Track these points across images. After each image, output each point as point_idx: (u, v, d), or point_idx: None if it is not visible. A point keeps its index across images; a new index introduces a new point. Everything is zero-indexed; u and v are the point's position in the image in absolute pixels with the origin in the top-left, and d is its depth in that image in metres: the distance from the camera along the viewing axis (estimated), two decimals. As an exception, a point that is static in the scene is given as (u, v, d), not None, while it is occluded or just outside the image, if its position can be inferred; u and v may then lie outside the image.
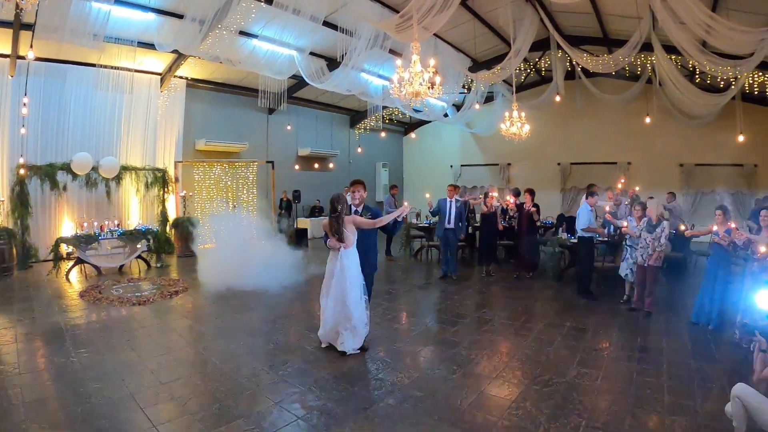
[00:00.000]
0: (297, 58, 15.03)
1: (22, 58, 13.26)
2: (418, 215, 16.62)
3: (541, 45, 16.33)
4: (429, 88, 8.99)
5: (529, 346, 7.30)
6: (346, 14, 13.09)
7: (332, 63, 16.11)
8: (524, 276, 12.11)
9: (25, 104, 13.23)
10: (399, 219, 7.34)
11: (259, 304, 9.59)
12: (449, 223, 12.13)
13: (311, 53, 15.61)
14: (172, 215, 16.33)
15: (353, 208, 7.47)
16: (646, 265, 8.74)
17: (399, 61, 9.35)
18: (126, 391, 5.64)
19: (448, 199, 12.17)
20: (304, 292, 10.54)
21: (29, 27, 11.88)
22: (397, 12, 12.61)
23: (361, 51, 13.94)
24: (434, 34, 14.24)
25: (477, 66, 18.05)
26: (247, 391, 5.68)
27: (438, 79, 9.32)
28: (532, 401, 5.28)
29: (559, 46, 15.30)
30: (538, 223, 13.21)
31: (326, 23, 13.31)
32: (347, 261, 6.85)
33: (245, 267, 10.65)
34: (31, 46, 10.34)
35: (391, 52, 15.29)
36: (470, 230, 13.89)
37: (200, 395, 5.54)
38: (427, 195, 13.00)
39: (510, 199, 13.38)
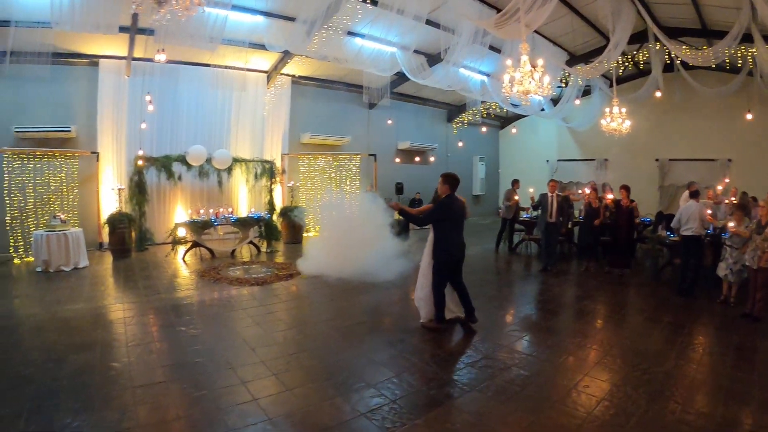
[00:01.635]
0: (399, 55, 15.46)
1: (138, 59, 14.82)
2: (519, 210, 16.42)
3: (638, 37, 15.90)
4: (538, 87, 9.27)
5: (628, 336, 7.44)
6: (447, 12, 13.31)
7: (432, 59, 16.49)
8: (617, 273, 11.88)
9: (150, 101, 14.53)
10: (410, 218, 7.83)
11: (369, 288, 10.04)
12: (551, 217, 12.25)
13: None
14: (278, 204, 17.28)
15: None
16: (756, 267, 8.35)
17: (509, 61, 9.66)
18: (257, 359, 6.31)
19: (550, 194, 12.31)
20: (409, 277, 10.70)
21: (143, 32, 13.20)
22: (496, 9, 12.91)
23: (462, 47, 14.22)
24: (530, 29, 14.33)
25: (574, 60, 17.89)
26: (370, 363, 6.19)
27: (547, 79, 9.60)
28: (632, 386, 5.46)
29: (656, 39, 14.88)
30: (637, 220, 12.98)
31: (428, 21, 13.64)
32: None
33: (352, 254, 11.01)
34: (162, 50, 11.18)
35: (491, 48, 15.50)
36: (570, 225, 13.89)
37: (327, 365, 6.06)
38: (531, 190, 13.26)
39: (609, 195, 13.23)
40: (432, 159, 23.16)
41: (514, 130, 25.29)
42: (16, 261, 13.37)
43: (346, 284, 10.15)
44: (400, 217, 7.63)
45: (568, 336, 7.40)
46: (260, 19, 13.99)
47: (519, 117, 25.13)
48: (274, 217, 15.96)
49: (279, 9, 13.87)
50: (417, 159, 22.60)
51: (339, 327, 7.67)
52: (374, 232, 11.09)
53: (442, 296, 7.36)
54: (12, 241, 13.47)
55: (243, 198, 17.33)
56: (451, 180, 7.45)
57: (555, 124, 23.28)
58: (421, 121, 22.97)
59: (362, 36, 15.11)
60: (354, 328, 7.62)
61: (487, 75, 18.22)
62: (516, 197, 14.59)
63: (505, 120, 26.28)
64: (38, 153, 14.05)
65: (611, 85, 17.10)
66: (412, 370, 5.96)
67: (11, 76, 13.22)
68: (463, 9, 12.69)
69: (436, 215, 7.42)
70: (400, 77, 17.29)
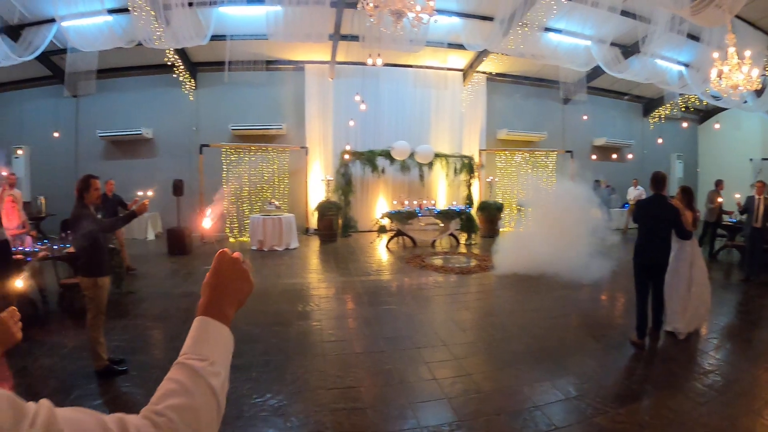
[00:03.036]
0: (594, 49, 14.93)
1: (340, 63, 15.97)
2: (723, 213, 14.95)
3: None
4: (747, 80, 8.53)
5: None
6: (642, 0, 12.61)
7: (627, 50, 15.67)
8: None
9: (361, 101, 15.20)
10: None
11: (571, 285, 9.64)
12: (756, 222, 11.08)
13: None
14: (476, 198, 17.50)
15: None
16: None
17: (716, 54, 8.96)
18: (468, 339, 6.56)
19: (756, 197, 11.14)
20: (613, 277, 10.20)
21: (345, 38, 14.12)
22: None
23: (659, 37, 13.38)
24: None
25: None
26: (574, 353, 6.07)
27: (756, 71, 8.80)
28: None
29: None
30: None
31: (622, 12, 13.13)
32: None
33: (553, 251, 10.71)
34: (378, 55, 11.68)
35: (689, 36, 14.37)
36: None
37: (533, 351, 6.06)
38: (737, 195, 12.15)
39: None
40: (629, 156, 21.79)
41: (716, 125, 22.45)
42: (231, 240, 15.25)
43: (549, 279, 9.92)
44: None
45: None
46: (457, 20, 14.29)
47: (719, 110, 22.67)
48: (473, 211, 16.02)
49: (475, 9, 14.07)
50: (614, 156, 21.38)
51: (545, 318, 7.61)
52: (575, 228, 10.67)
53: (640, 305, 6.55)
54: (228, 222, 15.49)
55: (442, 191, 17.73)
56: (654, 180, 6.83)
57: (759, 118, 20.80)
58: (616, 116, 21.54)
59: (558, 31, 14.83)
60: (559, 320, 7.53)
61: (686, 65, 16.87)
62: (719, 199, 13.31)
63: (704, 113, 23.57)
64: (253, 148, 15.78)
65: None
66: (614, 364, 5.87)
67: (230, 82, 14.86)
68: None
69: (635, 214, 6.97)
70: (595, 70, 16.61)
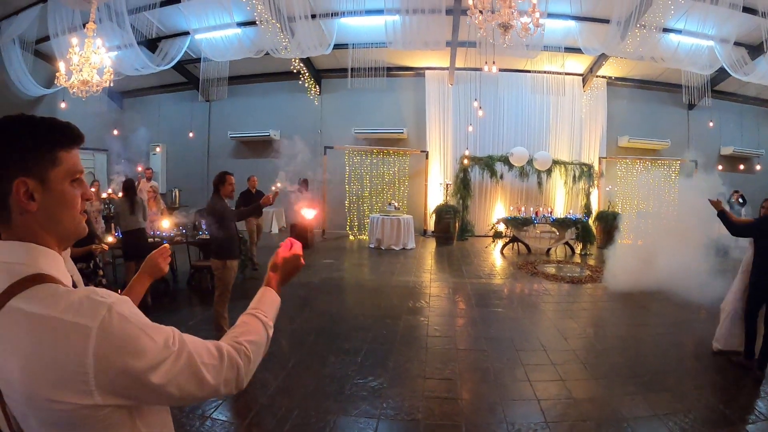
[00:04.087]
0: (717, 49, 14.21)
1: (459, 69, 16.31)
2: None
3: None
4: None
5: None
6: None
7: (754, 50, 14.69)
8: None
9: (479, 107, 15.48)
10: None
11: (680, 301, 9.29)
12: None
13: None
14: (594, 208, 17.22)
15: None
16: None
17: None
18: (568, 347, 6.60)
19: None
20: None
21: (463, 44, 14.31)
22: None
23: None
24: None
25: None
26: (673, 371, 5.95)
27: None
28: None
29: None
30: None
31: (745, 8, 12.37)
32: None
33: (672, 266, 10.27)
34: (494, 62, 11.90)
35: None
36: None
37: (632, 365, 6.03)
38: None
39: None
40: (758, 167, 20.10)
41: None
42: (351, 237, 16.04)
43: (662, 295, 9.54)
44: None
45: None
46: (572, 24, 14.18)
47: None
48: (591, 221, 15.80)
49: (590, 12, 13.88)
50: (741, 167, 19.87)
51: (650, 333, 7.52)
52: (696, 243, 10.25)
53: (752, 327, 6.16)
54: (348, 221, 16.34)
55: (560, 199, 17.61)
56: None
57: None
58: (745, 123, 20.06)
59: (678, 32, 14.26)
60: (665, 337, 7.36)
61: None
62: None
63: None
64: (375, 151, 16.45)
65: None
66: (713, 387, 5.67)
67: (352, 88, 15.45)
68: None
69: (754, 231, 6.33)
70: (721, 73, 15.79)
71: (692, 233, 9.96)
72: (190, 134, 17.55)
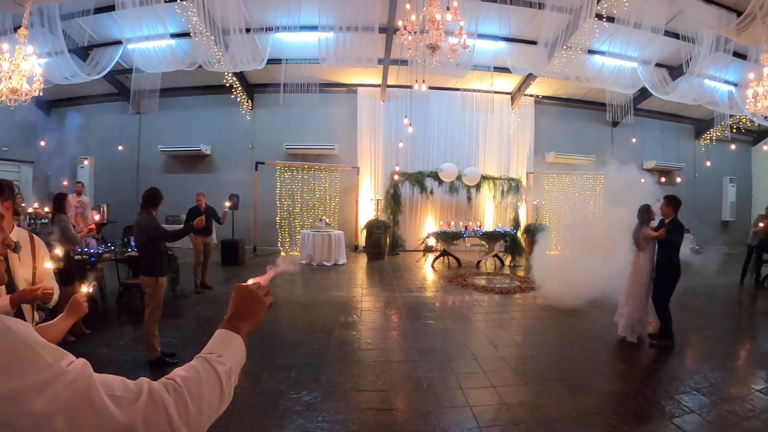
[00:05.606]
0: (640, 70, 15.07)
1: (391, 86, 16.69)
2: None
3: None
4: None
5: None
6: (685, 20, 12.78)
7: (674, 71, 15.65)
8: None
9: (410, 124, 15.92)
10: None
11: (605, 308, 9.73)
12: None
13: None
14: (522, 221, 17.75)
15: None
16: None
17: (752, 75, 9.01)
18: (498, 355, 6.77)
19: None
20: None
21: (395, 62, 14.67)
22: (735, 11, 11.94)
23: (705, 56, 13.44)
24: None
25: None
26: (600, 373, 6.29)
27: None
28: None
29: None
30: None
31: (666, 32, 13.28)
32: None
33: (595, 275, 10.70)
34: (423, 81, 12.09)
35: (736, 54, 14.28)
36: None
37: (560, 369, 6.29)
38: None
39: None
40: (678, 180, 21.23)
41: (765, 147, 21.60)
42: (282, 254, 15.71)
43: (588, 302, 9.88)
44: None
45: None
46: (502, 44, 14.70)
47: None
48: (519, 233, 16.25)
49: (519, 34, 14.50)
50: (662, 180, 20.89)
51: (577, 339, 7.80)
52: (616, 253, 10.69)
53: (669, 312, 7.43)
54: (280, 237, 16.18)
55: (489, 213, 18.09)
56: (675, 203, 7.58)
57: None
58: (666, 139, 21.00)
59: (602, 53, 15.03)
60: (591, 342, 7.69)
61: (735, 84, 16.63)
62: (761, 224, 13.06)
63: (758, 135, 22.38)
64: (306, 166, 16.44)
65: None
66: (639, 384, 5.99)
67: (285, 104, 15.64)
68: (701, 16, 12.06)
69: (678, 236, 7.50)
70: (643, 93, 16.75)
71: (615, 242, 10.35)
72: (120, 147, 17.07)
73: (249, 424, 4.50)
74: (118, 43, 13.63)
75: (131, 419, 1.05)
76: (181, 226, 9.01)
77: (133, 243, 8.36)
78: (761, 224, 12.73)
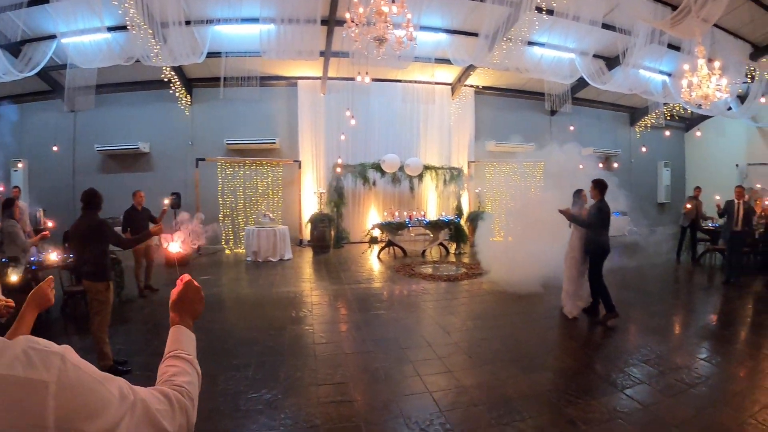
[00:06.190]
0: (578, 61, 15.41)
1: (332, 78, 16.55)
2: (703, 218, 15.35)
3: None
4: (716, 89, 8.97)
5: None
6: (621, 14, 13.11)
7: (611, 62, 16.16)
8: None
9: (352, 116, 15.73)
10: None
11: (549, 289, 9.98)
12: (736, 225, 11.40)
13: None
14: (465, 209, 18.05)
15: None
16: None
17: (686, 66, 9.39)
18: (451, 340, 6.96)
19: (736, 201, 11.48)
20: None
21: (336, 54, 14.65)
22: (671, 6, 12.38)
23: (640, 48, 13.89)
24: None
25: (758, 52, 16.00)
26: (550, 352, 6.62)
27: (725, 81, 9.23)
28: None
29: None
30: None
31: (603, 25, 13.56)
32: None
33: (536, 258, 11.02)
34: (366, 73, 12.07)
35: (670, 46, 14.80)
36: (756, 236, 12.65)
37: (512, 350, 6.53)
38: (717, 197, 12.52)
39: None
40: (615, 165, 22.05)
41: (698, 133, 22.76)
42: (227, 251, 15.69)
43: (532, 285, 10.15)
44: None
45: (742, 347, 7.05)
46: (443, 36, 14.79)
47: (705, 118, 22.85)
48: (462, 221, 16.49)
49: (460, 26, 14.62)
50: (600, 165, 21.57)
51: (526, 320, 8.08)
52: (554, 238, 10.99)
53: (605, 286, 7.93)
54: (224, 235, 15.88)
55: (432, 202, 18.27)
56: (601, 186, 8.02)
57: (743, 125, 21.08)
58: (603, 126, 21.77)
59: (541, 45, 15.25)
60: (538, 322, 8.00)
61: (669, 75, 17.27)
62: (689, 205, 13.74)
63: (690, 122, 23.44)
64: (247, 162, 16.24)
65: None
66: (590, 360, 6.30)
67: (225, 98, 15.28)
68: (637, 10, 12.40)
69: (602, 217, 7.94)
70: (581, 82, 17.10)
71: (555, 225, 10.63)
72: (55, 148, 16.22)
73: (212, 429, 4.44)
74: (52, 37, 12.98)
75: (174, 429, 1.18)
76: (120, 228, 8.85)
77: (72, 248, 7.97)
78: (689, 205, 13.42)
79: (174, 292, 1.71)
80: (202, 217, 11.63)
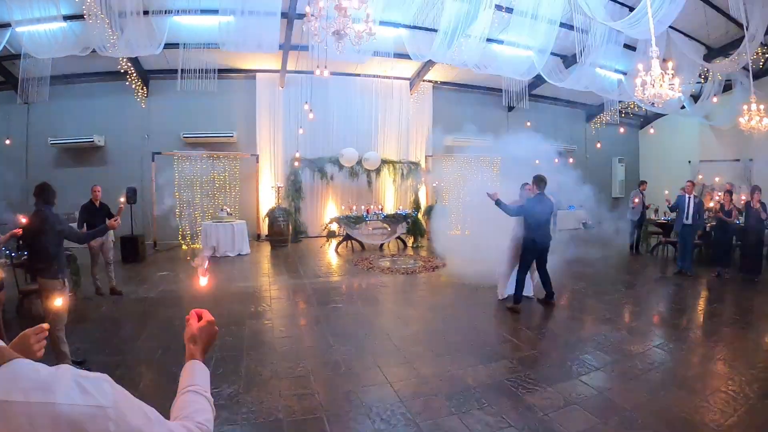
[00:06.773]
0: (535, 58, 15.55)
1: (290, 72, 16.39)
2: (656, 211, 16.00)
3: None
4: (669, 88, 9.24)
5: (753, 339, 7.05)
6: (580, 14, 13.25)
7: (568, 60, 16.46)
8: (750, 278, 10.92)
9: (310, 110, 15.65)
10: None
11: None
12: (687, 219, 11.83)
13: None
14: (423, 203, 18.15)
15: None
16: None
17: (640, 66, 9.63)
18: (410, 332, 7.12)
19: (687, 195, 11.88)
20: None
21: (295, 48, 14.56)
22: (629, 8, 12.73)
23: (597, 47, 14.18)
24: (663, 23, 13.76)
25: (712, 53, 16.68)
26: (507, 341, 6.78)
27: (677, 81, 9.50)
28: (746, 382, 5.31)
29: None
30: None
31: (561, 24, 13.83)
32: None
33: (493, 251, 11.15)
34: (326, 66, 12.07)
35: (626, 46, 15.16)
36: (707, 228, 13.15)
37: (470, 340, 6.70)
38: (666, 192, 12.89)
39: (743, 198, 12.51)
40: (571, 160, 22.39)
41: (651, 131, 23.40)
42: (184, 247, 15.37)
43: (486, 276, 10.03)
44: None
45: (694, 334, 7.33)
46: (403, 31, 14.78)
47: (659, 116, 23.46)
48: (420, 215, 16.63)
49: (420, 21, 14.59)
50: (555, 160, 21.93)
51: (483, 311, 8.28)
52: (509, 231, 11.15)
53: (523, 280, 8.28)
54: (181, 230, 15.60)
55: (390, 196, 18.37)
56: (539, 181, 8.32)
57: (697, 123, 21.75)
58: (559, 123, 22.13)
59: (500, 42, 15.33)
60: (495, 313, 8.19)
61: (624, 73, 17.70)
62: (636, 199, 14.28)
63: (644, 119, 24.15)
64: (204, 155, 15.98)
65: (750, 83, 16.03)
66: (547, 349, 6.51)
67: (182, 91, 14.76)
68: (595, 11, 12.65)
69: (526, 209, 8.27)
70: (538, 79, 17.24)
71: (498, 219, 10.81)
72: (7, 141, 15.76)
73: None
74: (7, 26, 12.51)
75: None
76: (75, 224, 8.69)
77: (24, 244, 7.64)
78: (636, 200, 13.87)
79: (194, 326, 1.74)
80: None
